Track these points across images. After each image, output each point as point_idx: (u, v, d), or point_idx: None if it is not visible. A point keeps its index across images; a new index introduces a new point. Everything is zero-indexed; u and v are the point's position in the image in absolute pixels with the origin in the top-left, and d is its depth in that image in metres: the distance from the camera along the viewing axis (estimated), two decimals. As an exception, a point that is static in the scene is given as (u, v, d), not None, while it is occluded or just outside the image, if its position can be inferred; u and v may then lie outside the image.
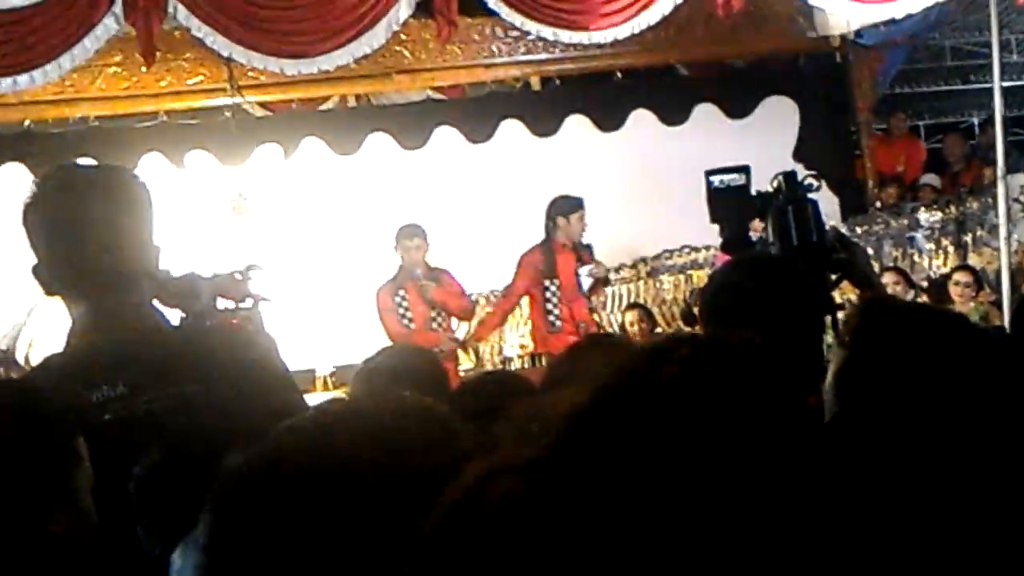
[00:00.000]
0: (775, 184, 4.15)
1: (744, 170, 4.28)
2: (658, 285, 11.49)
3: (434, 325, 9.32)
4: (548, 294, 9.16)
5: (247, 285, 3.61)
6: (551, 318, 9.12)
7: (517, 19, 7.63)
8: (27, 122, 10.85)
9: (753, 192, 4.35)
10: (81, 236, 2.55)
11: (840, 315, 3.50)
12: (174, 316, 3.10)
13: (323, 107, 11.80)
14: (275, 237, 11.00)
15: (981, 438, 2.08)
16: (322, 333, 10.56)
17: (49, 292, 2.60)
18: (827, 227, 4.30)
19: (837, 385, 2.53)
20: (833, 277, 4.02)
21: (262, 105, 11.39)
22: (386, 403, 1.50)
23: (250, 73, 9.66)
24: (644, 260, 11.52)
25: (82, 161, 2.87)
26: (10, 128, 10.86)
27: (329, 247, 11.31)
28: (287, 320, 9.87)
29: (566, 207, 9.21)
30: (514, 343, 11.00)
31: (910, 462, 2.04)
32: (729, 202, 4.20)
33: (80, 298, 2.60)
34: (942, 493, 1.96)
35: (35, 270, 2.59)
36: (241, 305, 3.59)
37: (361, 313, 10.27)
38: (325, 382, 10.06)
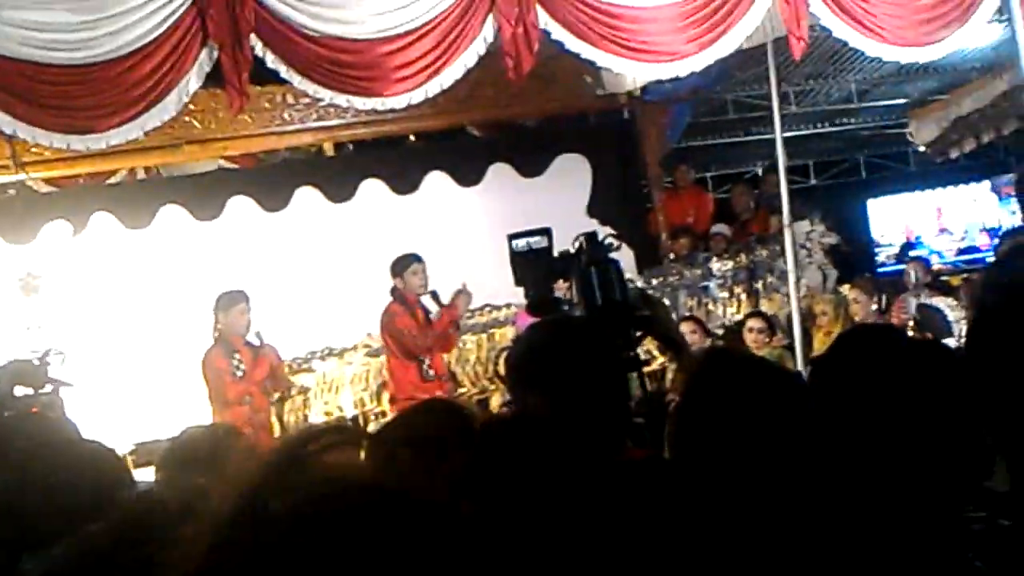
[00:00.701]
0: (577, 245, 4.21)
1: (546, 232, 4.33)
2: (461, 345, 11.50)
3: (267, 387, 9.47)
4: (416, 339, 9.42)
5: (46, 370, 3.50)
6: (424, 367, 9.44)
7: (310, 87, 7.57)
8: None
9: (555, 253, 4.40)
10: None
11: (648, 369, 3.57)
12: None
13: (112, 180, 11.53)
14: (68, 315, 10.69)
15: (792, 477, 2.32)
16: (120, 410, 10.28)
17: None
18: (630, 286, 4.38)
19: (672, 436, 2.63)
20: (637, 334, 4.08)
21: (48, 181, 11.07)
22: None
23: (34, 148, 9.41)
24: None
25: None
26: None
27: (124, 322, 11.02)
28: (84, 399, 9.62)
29: (402, 265, 9.57)
30: (319, 410, 10.90)
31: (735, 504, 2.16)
32: (532, 264, 4.24)
33: None
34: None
35: None
36: (41, 391, 3.47)
37: (161, 387, 10.06)
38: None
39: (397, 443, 3.01)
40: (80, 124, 7.17)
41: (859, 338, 2.86)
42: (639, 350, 4.13)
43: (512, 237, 4.40)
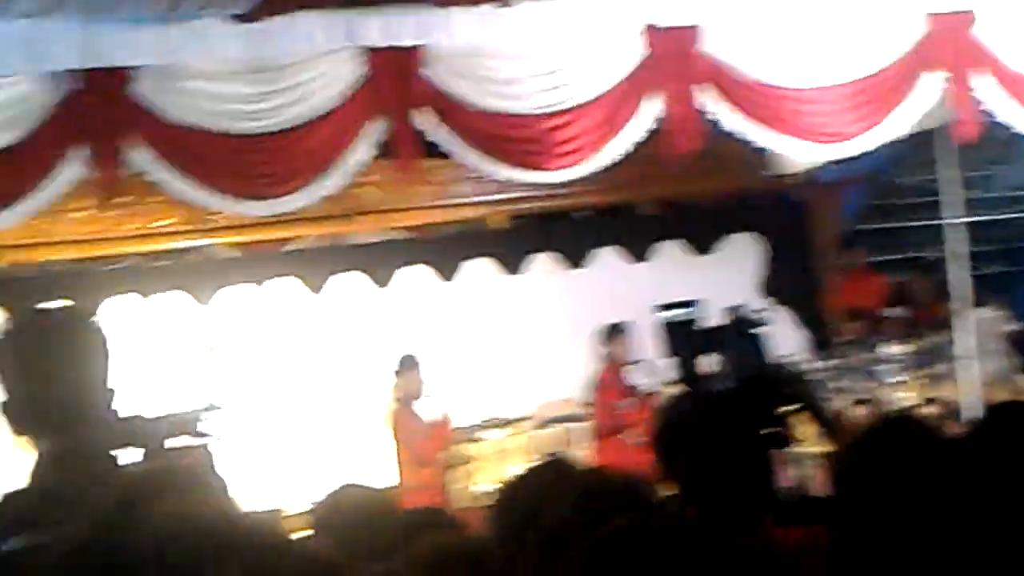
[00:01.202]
0: (726, 319, 4.22)
1: (692, 304, 4.36)
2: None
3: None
4: (622, 410, 9.59)
5: (199, 424, 3.61)
6: (627, 433, 9.44)
7: (473, 160, 7.71)
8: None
9: (706, 326, 4.42)
10: (47, 378, 2.64)
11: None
12: (126, 456, 3.10)
13: (291, 246, 11.85)
14: (246, 375, 11.01)
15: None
16: (295, 472, 10.52)
17: (18, 431, 2.68)
18: (781, 362, 4.36)
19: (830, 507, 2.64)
20: (784, 410, 4.06)
21: (230, 246, 11.44)
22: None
23: (215, 216, 9.74)
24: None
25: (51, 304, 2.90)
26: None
27: (298, 383, 11.29)
28: (255, 458, 9.90)
29: (610, 333, 9.91)
30: (486, 480, 10.86)
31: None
32: (681, 336, 4.26)
33: (44, 436, 2.67)
34: None
35: (4, 408, 2.67)
36: (192, 444, 3.58)
37: (332, 449, 10.28)
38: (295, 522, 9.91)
39: (501, 506, 3.04)
40: (253, 192, 7.42)
41: (1002, 415, 2.81)
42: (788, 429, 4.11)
43: (660, 308, 4.44)
